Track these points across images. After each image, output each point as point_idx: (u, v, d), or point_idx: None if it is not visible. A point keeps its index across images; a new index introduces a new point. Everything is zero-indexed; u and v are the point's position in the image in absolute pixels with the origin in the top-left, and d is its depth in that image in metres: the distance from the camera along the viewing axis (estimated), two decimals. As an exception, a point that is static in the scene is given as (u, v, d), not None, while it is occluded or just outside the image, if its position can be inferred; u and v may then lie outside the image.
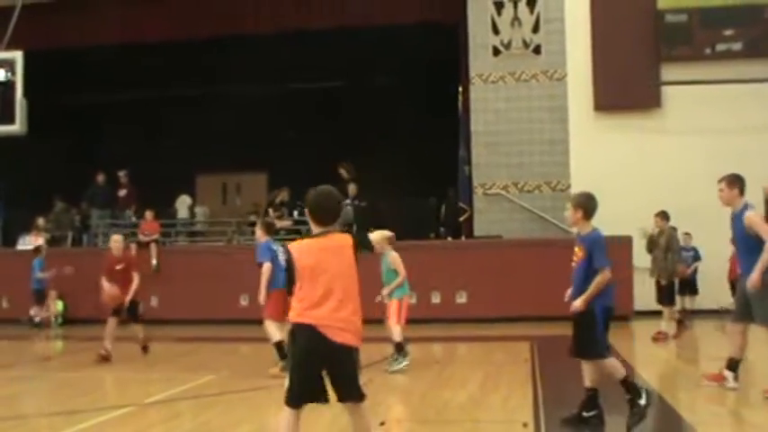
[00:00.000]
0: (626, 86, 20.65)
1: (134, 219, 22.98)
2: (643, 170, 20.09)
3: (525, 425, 7.73)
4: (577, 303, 7.53)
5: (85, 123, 27.36)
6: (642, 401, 7.38)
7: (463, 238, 21.02)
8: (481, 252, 19.40)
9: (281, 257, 11.17)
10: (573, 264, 7.81)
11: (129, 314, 13.35)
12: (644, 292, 16.95)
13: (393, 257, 11.78)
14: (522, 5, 21.68)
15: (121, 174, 23.59)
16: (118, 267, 13.11)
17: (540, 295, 17.75)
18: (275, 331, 10.98)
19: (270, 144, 25.05)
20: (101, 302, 12.99)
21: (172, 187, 24.62)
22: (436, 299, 19.29)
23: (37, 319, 19.97)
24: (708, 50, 20.64)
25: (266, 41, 23.51)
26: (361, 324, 5.61)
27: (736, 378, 9.32)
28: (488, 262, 18.95)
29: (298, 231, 21.78)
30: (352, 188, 21.02)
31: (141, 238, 21.19)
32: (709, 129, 20.12)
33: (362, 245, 5.74)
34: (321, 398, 5.59)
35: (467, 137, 21.71)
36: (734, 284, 14.55)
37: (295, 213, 22.53)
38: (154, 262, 20.55)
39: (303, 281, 5.55)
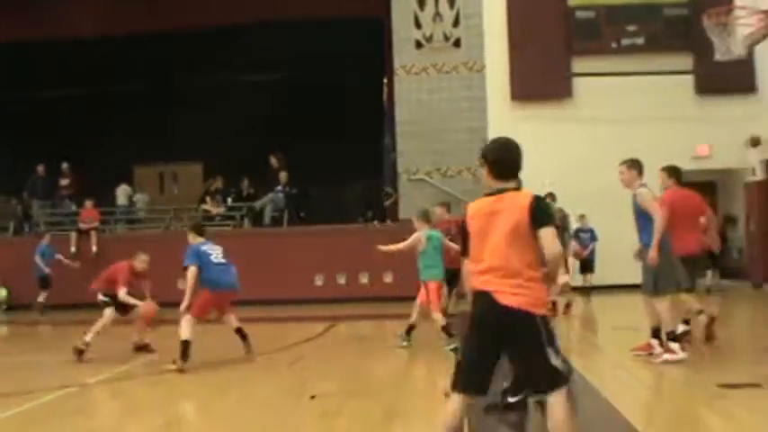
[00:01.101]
0: (540, 78, 21.01)
1: (74, 208, 22.79)
2: (556, 156, 20.50)
3: (447, 395, 7.95)
4: None
5: (26, 117, 26.93)
6: None
7: (389, 221, 21.26)
8: (406, 234, 19.58)
9: (213, 257, 10.69)
10: None
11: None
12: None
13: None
14: (443, 1, 21.92)
15: (64, 165, 23.39)
16: (134, 280, 12.24)
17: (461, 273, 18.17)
18: (188, 329, 10.26)
19: (204, 135, 24.98)
20: (142, 316, 11.94)
21: (111, 178, 24.41)
22: (364, 279, 19.56)
23: None
24: (614, 44, 21.11)
25: (202, 36, 23.44)
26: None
27: (660, 344, 9.70)
28: (415, 243, 19.22)
29: (231, 217, 21.93)
30: (283, 176, 21.20)
31: (81, 225, 21.06)
32: (615, 117, 20.55)
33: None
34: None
35: (392, 126, 21.91)
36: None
37: (229, 200, 22.63)
38: (94, 249, 20.47)
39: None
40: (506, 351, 4.96)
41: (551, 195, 14.69)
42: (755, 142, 19.93)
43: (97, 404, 8.83)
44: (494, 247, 4.92)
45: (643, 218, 9.54)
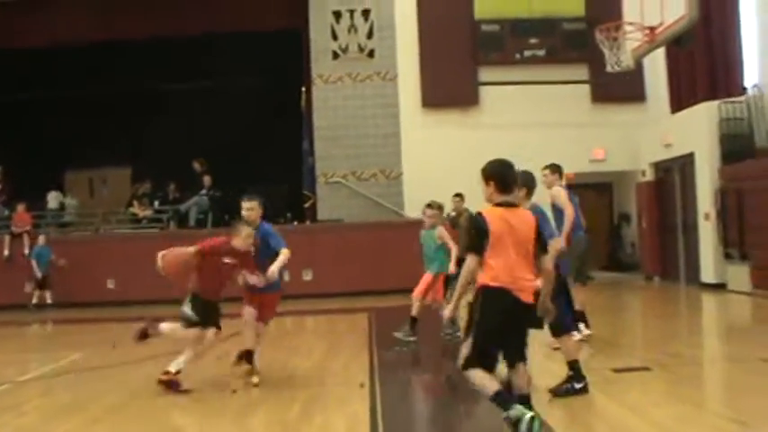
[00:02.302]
0: (448, 86, 21.35)
1: (7, 212, 22.26)
2: (463, 160, 20.69)
3: (362, 385, 8.06)
4: None
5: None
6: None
7: (308, 222, 21.30)
8: (324, 234, 19.74)
9: None
10: None
11: None
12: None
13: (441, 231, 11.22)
14: (358, 14, 22.07)
15: (-3, 170, 22.88)
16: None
17: (376, 272, 18.38)
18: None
19: (133, 141, 24.68)
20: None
21: (42, 183, 23.91)
22: (285, 277, 19.52)
23: None
24: (517, 56, 21.52)
25: (132, 45, 23.09)
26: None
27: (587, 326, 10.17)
28: (331, 243, 19.33)
29: (158, 220, 21.72)
30: (206, 180, 21.10)
31: (14, 229, 20.64)
32: (517, 124, 20.97)
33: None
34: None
35: (310, 132, 21.97)
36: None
37: (156, 203, 22.41)
38: (26, 251, 20.08)
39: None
40: (514, 334, 5.87)
41: (460, 195, 14.67)
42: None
43: (27, 402, 8.70)
44: (510, 252, 5.67)
45: (559, 213, 9.97)
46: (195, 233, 20.59)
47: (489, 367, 5.72)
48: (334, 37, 22.08)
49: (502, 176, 5.87)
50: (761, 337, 10.93)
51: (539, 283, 5.80)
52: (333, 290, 18.78)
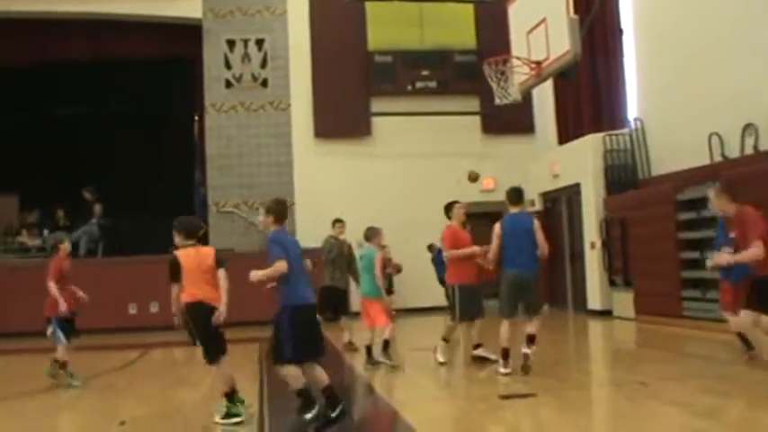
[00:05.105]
0: (341, 116, 21.48)
1: None
2: (357, 189, 20.89)
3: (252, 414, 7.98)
4: None
5: None
6: (310, 415, 7.17)
7: (199, 251, 20.92)
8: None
9: None
10: None
11: None
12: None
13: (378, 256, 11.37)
14: (252, 44, 22.00)
15: None
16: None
17: (266, 301, 18.13)
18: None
19: (20, 168, 23.93)
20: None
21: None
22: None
23: None
24: (409, 87, 21.76)
25: (22, 72, 22.44)
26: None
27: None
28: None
29: (44, 249, 21.05)
30: (97, 209, 20.64)
31: None
32: (410, 154, 21.25)
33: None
34: None
35: (202, 161, 21.74)
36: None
37: (45, 232, 21.77)
38: None
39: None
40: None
41: (340, 221, 13.83)
42: (474, 177, 21.10)
43: None
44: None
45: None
46: (84, 262, 20.16)
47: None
48: (228, 66, 21.96)
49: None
50: (641, 361, 11.29)
51: None
52: (225, 320, 18.44)
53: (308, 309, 7.42)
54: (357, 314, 12.65)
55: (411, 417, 7.62)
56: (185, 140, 22.75)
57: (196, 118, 22.03)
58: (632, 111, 18.12)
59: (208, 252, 7.97)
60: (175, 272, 7.58)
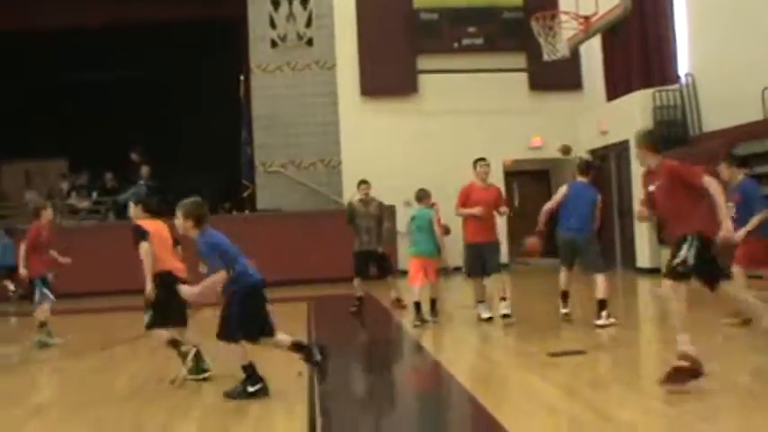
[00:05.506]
0: (387, 74, 21.37)
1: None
2: (403, 147, 20.86)
3: (300, 373, 8.02)
4: None
5: None
6: (252, 389, 7.25)
7: (247, 211, 21.15)
8: (263, 223, 19.56)
9: None
10: None
11: None
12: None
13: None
14: (297, 3, 21.97)
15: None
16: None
17: (315, 260, 18.24)
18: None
19: (69, 132, 24.20)
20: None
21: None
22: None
23: None
24: (455, 44, 21.61)
25: (65, 35, 22.55)
26: None
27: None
28: (270, 232, 19.06)
29: (97, 211, 21.42)
30: (144, 170, 20.82)
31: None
32: (456, 111, 21.13)
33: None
34: None
35: (248, 121, 21.82)
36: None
37: (94, 195, 22.10)
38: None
39: None
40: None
41: (365, 182, 13.25)
42: (566, 151, 20.72)
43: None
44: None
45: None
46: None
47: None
48: (273, 26, 21.95)
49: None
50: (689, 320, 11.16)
51: None
52: (272, 278, 18.55)
53: (257, 288, 7.62)
54: (404, 272, 12.66)
55: (460, 375, 7.65)
56: (231, 101, 22.80)
57: (242, 78, 22.07)
58: (683, 66, 17.78)
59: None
60: None
